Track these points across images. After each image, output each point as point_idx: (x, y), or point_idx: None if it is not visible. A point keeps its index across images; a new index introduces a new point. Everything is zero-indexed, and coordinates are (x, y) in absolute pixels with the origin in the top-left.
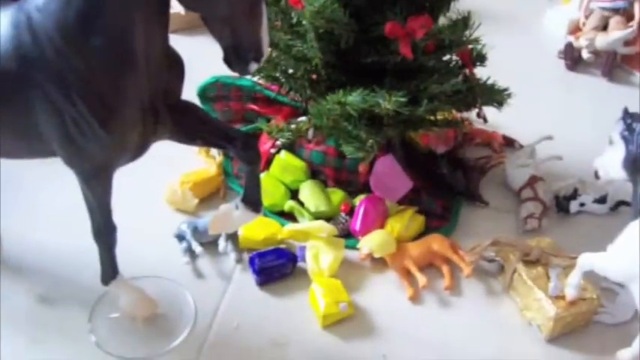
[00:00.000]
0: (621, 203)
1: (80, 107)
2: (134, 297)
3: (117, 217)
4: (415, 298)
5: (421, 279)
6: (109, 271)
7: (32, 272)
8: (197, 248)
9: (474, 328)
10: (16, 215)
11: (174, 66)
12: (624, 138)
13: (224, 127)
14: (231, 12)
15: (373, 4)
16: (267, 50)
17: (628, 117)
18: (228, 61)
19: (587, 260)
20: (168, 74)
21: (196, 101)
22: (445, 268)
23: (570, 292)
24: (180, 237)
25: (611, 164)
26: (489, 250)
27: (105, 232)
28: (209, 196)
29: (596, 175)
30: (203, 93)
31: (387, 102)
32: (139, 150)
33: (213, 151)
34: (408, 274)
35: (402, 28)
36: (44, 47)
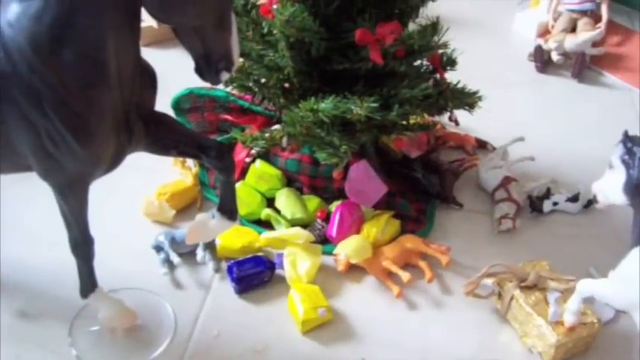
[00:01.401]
0: (593, 201)
1: (54, 121)
2: (114, 309)
3: (94, 230)
4: (401, 295)
5: (404, 275)
6: (88, 284)
7: (11, 287)
8: (175, 259)
9: (454, 331)
10: None
11: (147, 78)
12: (624, 162)
13: (198, 137)
14: (200, 22)
15: (343, 11)
16: (237, 59)
17: (628, 140)
18: (199, 71)
19: (587, 287)
20: (141, 86)
21: (171, 113)
22: (422, 263)
23: (569, 319)
24: (158, 248)
25: (611, 189)
26: (486, 279)
27: (82, 244)
28: (186, 207)
29: (595, 200)
30: (177, 105)
31: (359, 108)
32: (113, 162)
33: (189, 162)
34: (388, 276)
35: (372, 35)
36: (16, 62)
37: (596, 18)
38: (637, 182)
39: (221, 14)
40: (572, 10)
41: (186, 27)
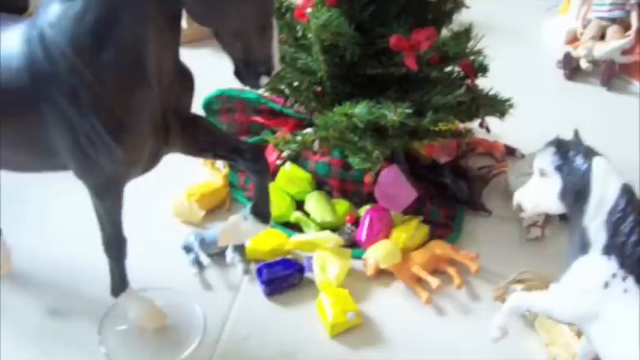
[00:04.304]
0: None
1: (93, 121)
2: (144, 309)
3: (125, 230)
4: (430, 301)
5: (434, 281)
6: (119, 283)
7: (42, 285)
8: (205, 259)
9: (482, 337)
10: (26, 229)
11: (184, 80)
12: (559, 168)
13: (233, 140)
14: (242, 27)
15: (378, 17)
16: (277, 64)
17: (559, 145)
18: (239, 74)
19: (522, 301)
20: (179, 88)
21: (201, 114)
22: (451, 270)
23: (496, 334)
24: (188, 248)
25: (544, 197)
26: (515, 285)
27: (115, 244)
28: (215, 207)
29: (520, 209)
30: (208, 106)
31: (393, 114)
32: (150, 163)
33: (219, 163)
34: (417, 282)
35: (407, 41)
36: (57, 62)
37: (625, 26)
38: (576, 188)
39: (263, 18)
40: (602, 18)
41: (228, 30)
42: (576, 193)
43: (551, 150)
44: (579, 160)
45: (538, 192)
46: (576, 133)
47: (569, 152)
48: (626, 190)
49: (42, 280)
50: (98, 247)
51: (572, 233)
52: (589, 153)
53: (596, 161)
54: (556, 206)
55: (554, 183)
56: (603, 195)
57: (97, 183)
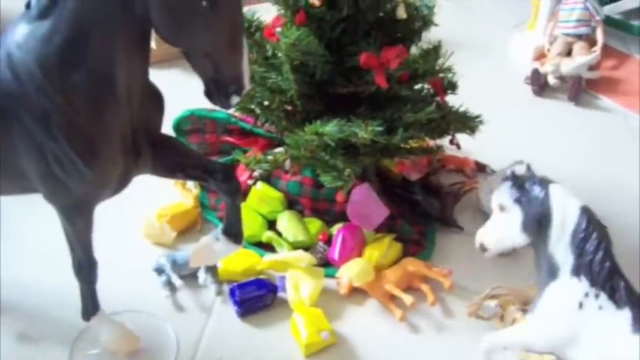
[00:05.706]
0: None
1: (62, 143)
2: (115, 332)
3: (95, 252)
4: (404, 319)
5: (408, 298)
6: (90, 306)
7: (11, 309)
8: (177, 281)
9: (456, 354)
10: None
11: (154, 100)
12: (518, 201)
13: (204, 160)
14: (212, 46)
15: (348, 35)
16: (248, 83)
17: (514, 179)
18: (209, 94)
19: (499, 341)
20: (149, 108)
21: (171, 134)
22: (425, 287)
23: None
24: (160, 270)
25: (507, 232)
26: (489, 301)
27: (86, 267)
28: (186, 228)
29: (483, 248)
30: (178, 126)
31: (364, 131)
32: (120, 184)
33: (190, 184)
34: (391, 299)
35: (377, 59)
36: (25, 84)
37: (591, 42)
38: (537, 216)
39: (233, 38)
40: (568, 34)
41: (198, 50)
42: (538, 221)
43: (507, 184)
44: (536, 190)
45: (500, 228)
46: (528, 167)
47: (526, 184)
48: (586, 211)
49: (10, 304)
50: (69, 270)
51: (538, 262)
52: (544, 182)
53: (552, 188)
54: (519, 239)
55: (515, 216)
56: (564, 218)
57: (66, 205)
